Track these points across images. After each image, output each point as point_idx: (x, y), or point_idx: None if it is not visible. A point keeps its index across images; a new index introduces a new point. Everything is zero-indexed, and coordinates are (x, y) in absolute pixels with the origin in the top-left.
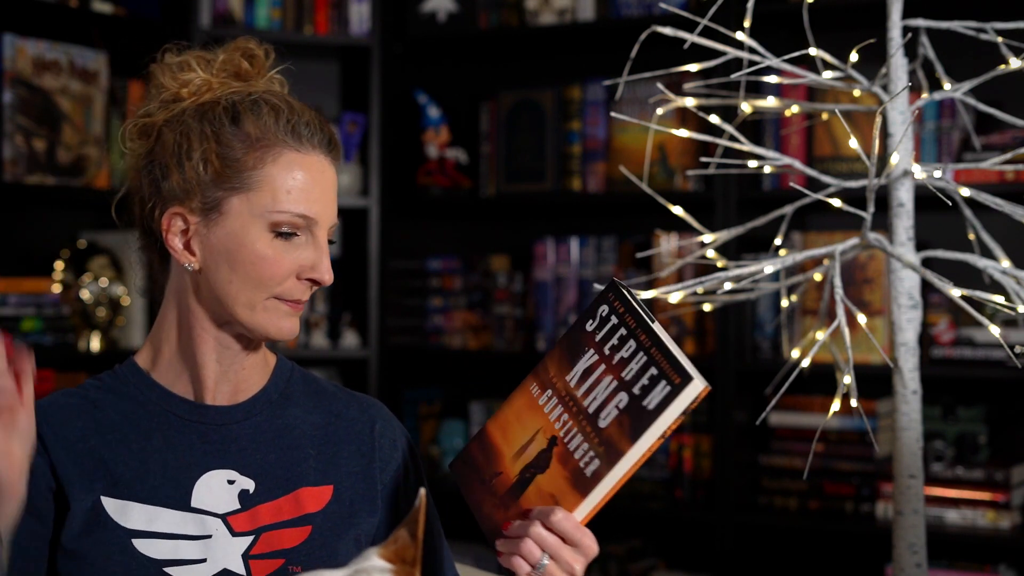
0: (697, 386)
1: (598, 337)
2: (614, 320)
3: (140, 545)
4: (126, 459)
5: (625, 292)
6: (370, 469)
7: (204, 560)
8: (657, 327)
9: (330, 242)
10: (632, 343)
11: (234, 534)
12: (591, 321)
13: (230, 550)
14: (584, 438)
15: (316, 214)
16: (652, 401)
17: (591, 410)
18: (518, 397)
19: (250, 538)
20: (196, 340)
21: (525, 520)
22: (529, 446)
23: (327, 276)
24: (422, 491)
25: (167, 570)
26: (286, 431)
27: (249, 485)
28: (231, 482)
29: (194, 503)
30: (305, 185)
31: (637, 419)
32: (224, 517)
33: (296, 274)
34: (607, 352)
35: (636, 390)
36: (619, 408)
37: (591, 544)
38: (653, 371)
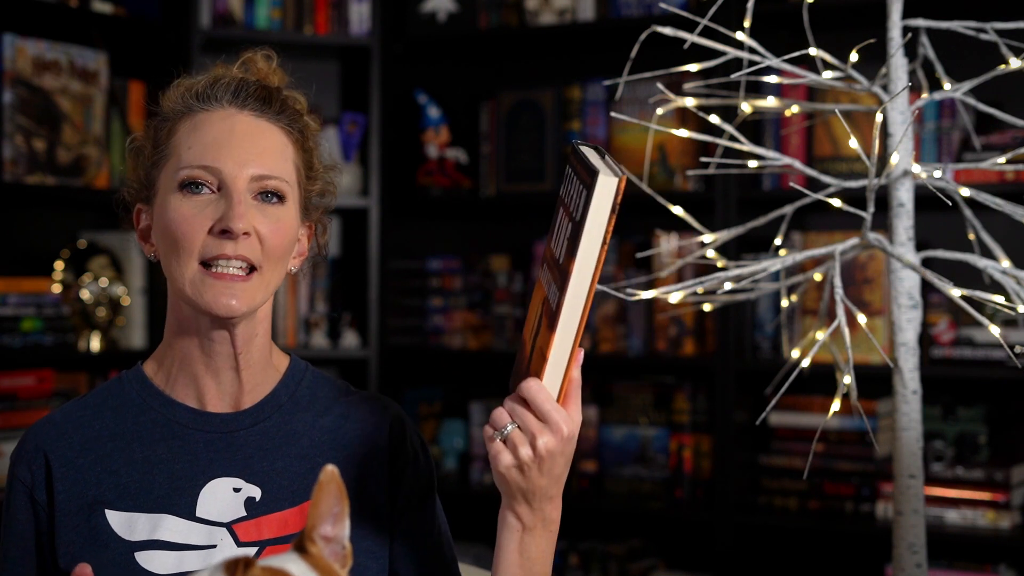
0: (608, 179)
1: (566, 197)
2: (571, 174)
3: (143, 559)
4: (130, 470)
5: (583, 147)
6: (380, 470)
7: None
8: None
9: (271, 194)
10: (576, 181)
11: (239, 543)
12: (563, 186)
13: None
14: (553, 282)
15: (220, 163)
16: (578, 212)
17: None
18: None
19: (254, 550)
20: (184, 340)
21: None
22: (536, 321)
23: (235, 223)
24: (327, 466)
25: None
26: (295, 438)
27: (255, 493)
28: (237, 490)
29: (199, 512)
30: (207, 138)
31: (574, 236)
32: (229, 526)
33: (209, 230)
34: (568, 204)
35: (574, 213)
36: (567, 238)
37: (559, 420)
38: (579, 186)
